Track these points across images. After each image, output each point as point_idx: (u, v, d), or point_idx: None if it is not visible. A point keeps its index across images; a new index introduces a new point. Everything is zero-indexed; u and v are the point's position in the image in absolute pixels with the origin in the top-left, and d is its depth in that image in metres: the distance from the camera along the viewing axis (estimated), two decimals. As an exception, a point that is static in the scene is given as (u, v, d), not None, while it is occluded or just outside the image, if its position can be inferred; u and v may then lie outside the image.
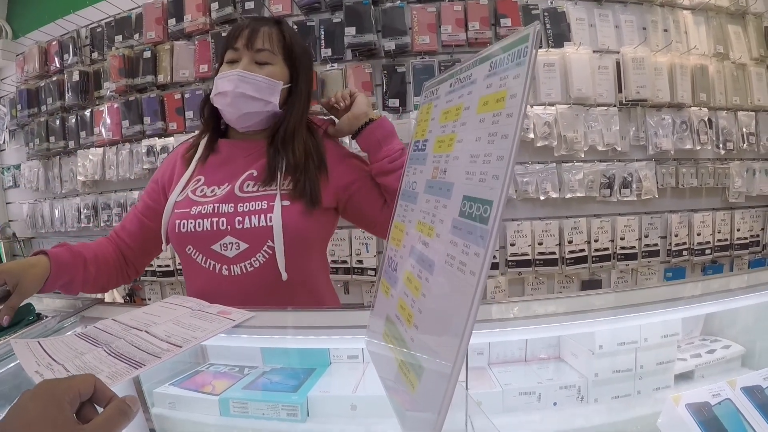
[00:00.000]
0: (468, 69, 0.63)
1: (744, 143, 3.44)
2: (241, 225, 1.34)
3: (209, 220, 1.35)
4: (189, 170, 1.45)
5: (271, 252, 1.34)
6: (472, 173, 0.51)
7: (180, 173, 1.48)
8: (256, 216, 1.34)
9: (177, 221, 1.38)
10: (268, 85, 1.40)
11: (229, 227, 1.34)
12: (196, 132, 1.60)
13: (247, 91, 1.37)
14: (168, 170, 1.53)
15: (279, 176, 1.38)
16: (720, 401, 1.08)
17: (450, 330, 0.47)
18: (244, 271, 1.35)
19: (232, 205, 1.36)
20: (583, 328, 1.25)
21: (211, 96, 1.44)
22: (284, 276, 1.33)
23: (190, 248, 1.38)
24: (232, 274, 1.35)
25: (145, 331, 1.02)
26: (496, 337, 1.27)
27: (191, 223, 1.36)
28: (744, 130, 3.44)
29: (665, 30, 3.32)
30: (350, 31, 3.04)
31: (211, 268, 1.37)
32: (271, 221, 1.32)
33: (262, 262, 1.35)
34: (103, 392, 0.64)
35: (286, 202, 1.35)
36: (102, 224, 3.80)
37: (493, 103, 0.51)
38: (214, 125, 1.52)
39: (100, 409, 0.62)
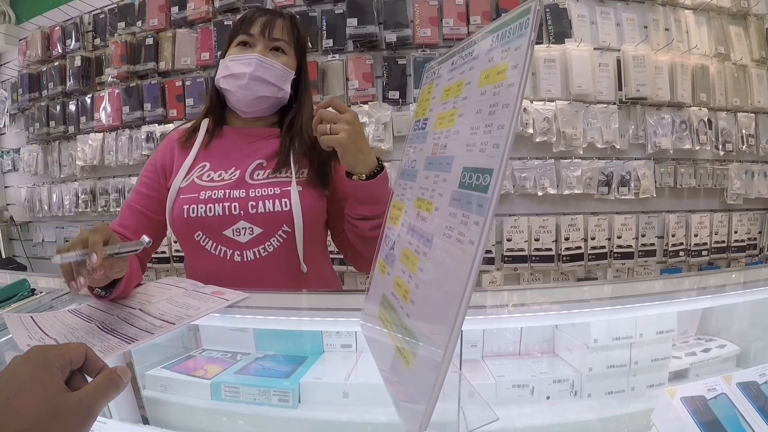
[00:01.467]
0: (470, 46, 0.63)
1: (743, 145, 3.45)
2: (255, 210, 1.33)
3: (221, 205, 1.33)
4: (191, 155, 1.43)
5: (285, 237, 1.34)
6: (472, 145, 0.51)
7: (180, 159, 1.45)
8: (271, 201, 1.33)
9: (185, 206, 1.35)
10: (284, 74, 1.41)
11: (242, 212, 1.33)
12: (189, 121, 1.58)
13: (264, 75, 1.38)
14: (167, 156, 1.50)
15: (292, 163, 1.39)
16: (716, 396, 1.08)
17: (447, 298, 0.47)
18: (258, 256, 1.34)
19: (244, 190, 1.35)
20: (578, 318, 1.24)
21: (217, 77, 1.43)
22: (304, 268, 1.35)
23: (199, 234, 1.36)
24: (245, 259, 1.34)
25: (139, 309, 1.02)
26: (491, 324, 1.27)
27: (201, 208, 1.33)
28: (743, 131, 3.46)
29: (666, 29, 3.32)
30: (352, 22, 3.05)
31: (221, 255, 1.35)
32: (286, 206, 1.32)
33: (276, 246, 1.34)
34: (94, 362, 0.63)
35: (299, 188, 1.36)
36: (99, 209, 3.81)
37: (494, 75, 0.51)
38: (218, 111, 1.51)
39: (90, 380, 0.61)
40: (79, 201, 3.91)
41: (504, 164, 0.44)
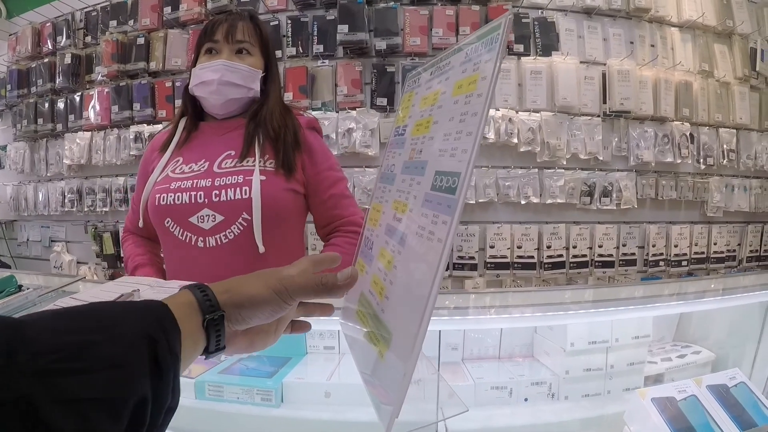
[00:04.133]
0: (447, 57, 0.66)
1: (724, 159, 3.52)
2: (218, 198, 1.39)
3: (187, 193, 1.40)
4: (168, 153, 1.51)
5: (245, 224, 1.39)
6: (444, 150, 0.54)
7: (159, 159, 1.53)
8: (233, 189, 1.39)
9: (157, 195, 1.43)
10: (251, 74, 1.49)
11: (206, 200, 1.39)
12: (168, 124, 1.65)
13: (232, 79, 1.45)
14: (148, 160, 1.59)
15: (257, 150, 1.45)
16: (686, 397, 1.12)
17: (417, 292, 0.51)
18: (219, 243, 1.39)
19: (210, 180, 1.41)
20: (555, 320, 1.27)
21: (190, 87, 1.51)
22: (261, 249, 1.38)
23: (168, 221, 1.42)
24: (207, 246, 1.39)
25: None
26: (471, 324, 1.30)
27: (170, 196, 1.41)
28: (725, 146, 3.53)
29: (652, 45, 3.39)
30: (343, 28, 3.07)
31: (187, 241, 1.41)
32: (246, 194, 1.38)
33: (236, 233, 1.39)
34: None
35: (263, 177, 1.41)
36: (86, 209, 3.79)
37: (466, 86, 0.54)
38: (193, 111, 1.57)
39: None
40: (66, 200, 3.88)
41: (470, 168, 0.47)
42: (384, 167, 0.79)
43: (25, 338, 0.42)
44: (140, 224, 1.50)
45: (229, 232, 1.40)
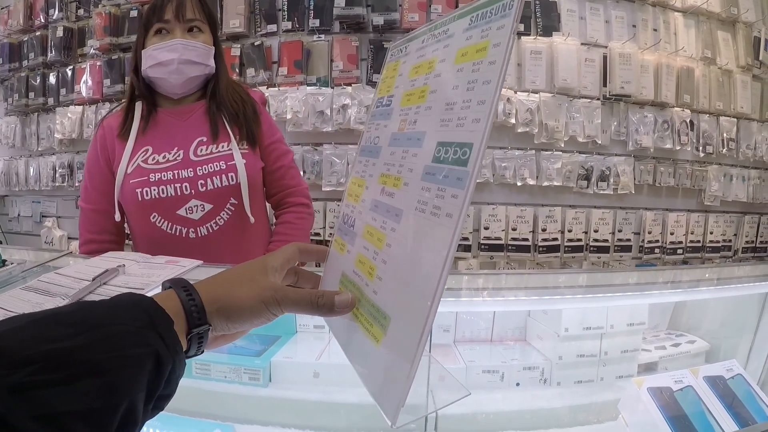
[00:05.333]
0: (444, 25, 0.62)
1: (723, 148, 3.50)
2: (204, 187, 1.41)
3: (172, 186, 1.40)
4: (130, 141, 1.47)
5: (233, 209, 1.44)
6: (448, 120, 0.51)
7: (120, 147, 1.49)
8: (218, 176, 1.42)
9: (137, 190, 1.41)
10: (206, 51, 1.49)
11: (193, 191, 1.41)
12: (116, 107, 1.63)
13: (191, 57, 1.45)
14: (106, 146, 1.52)
15: (230, 133, 1.47)
16: (682, 387, 1.10)
17: (424, 274, 0.48)
18: (211, 230, 1.43)
19: (191, 169, 1.42)
20: (550, 304, 1.25)
21: (144, 68, 1.47)
22: (252, 219, 1.45)
23: (155, 216, 1.42)
24: (199, 235, 1.43)
25: (101, 283, 0.98)
26: (463, 306, 1.28)
27: (154, 190, 1.40)
28: (725, 135, 3.50)
29: (655, 29, 3.35)
30: (340, 2, 3.02)
31: (177, 234, 1.42)
32: (234, 180, 1.42)
33: (226, 219, 1.44)
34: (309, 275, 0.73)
35: (244, 161, 1.45)
36: (77, 184, 3.73)
37: (473, 53, 0.51)
38: (148, 97, 1.54)
39: None
40: (57, 175, 3.82)
41: (485, 138, 0.44)
42: (365, 140, 0.76)
43: None
44: (116, 217, 1.47)
45: (219, 219, 1.43)
